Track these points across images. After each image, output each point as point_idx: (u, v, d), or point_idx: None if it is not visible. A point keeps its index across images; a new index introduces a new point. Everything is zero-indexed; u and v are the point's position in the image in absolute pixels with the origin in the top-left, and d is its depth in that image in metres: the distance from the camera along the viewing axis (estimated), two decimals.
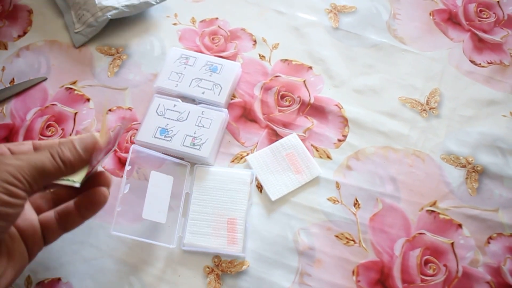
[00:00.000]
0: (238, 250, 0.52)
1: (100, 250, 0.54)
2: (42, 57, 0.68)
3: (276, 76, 0.65)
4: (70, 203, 0.45)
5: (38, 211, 0.45)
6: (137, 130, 0.59)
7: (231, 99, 0.63)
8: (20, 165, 0.37)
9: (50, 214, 0.45)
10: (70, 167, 0.40)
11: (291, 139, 0.59)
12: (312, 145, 0.59)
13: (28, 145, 0.46)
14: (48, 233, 0.44)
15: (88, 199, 0.44)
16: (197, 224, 0.54)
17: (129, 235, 0.52)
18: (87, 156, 0.41)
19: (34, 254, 0.43)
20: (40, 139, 0.61)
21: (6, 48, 0.69)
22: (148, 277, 0.52)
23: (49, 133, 0.61)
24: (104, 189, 0.44)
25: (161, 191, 0.54)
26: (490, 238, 0.54)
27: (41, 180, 0.38)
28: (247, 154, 0.59)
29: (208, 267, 0.53)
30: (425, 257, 0.53)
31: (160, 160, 0.58)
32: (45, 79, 0.65)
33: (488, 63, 0.66)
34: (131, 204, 0.55)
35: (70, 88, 0.65)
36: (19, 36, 0.70)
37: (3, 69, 0.67)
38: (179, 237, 0.53)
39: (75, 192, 0.44)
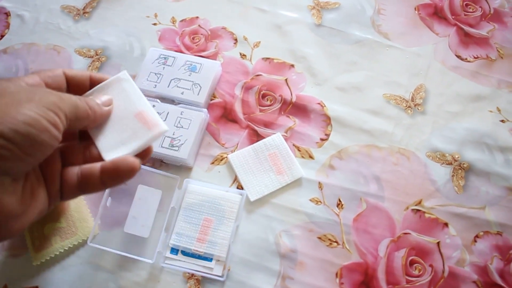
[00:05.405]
0: (217, 275, 0.51)
1: (79, 257, 0.53)
2: (20, 60, 0.66)
3: (257, 75, 0.63)
4: (96, 165, 0.40)
5: (65, 161, 0.42)
6: None
7: (211, 100, 0.62)
8: (63, 98, 0.37)
9: (73, 171, 0.41)
10: (93, 117, 0.40)
11: (275, 139, 0.58)
12: (294, 144, 0.58)
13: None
14: (66, 189, 0.40)
15: (114, 166, 0.40)
16: (181, 241, 0.52)
17: (107, 248, 0.51)
18: (106, 112, 0.42)
19: (50, 205, 0.40)
20: None
21: None
22: (128, 284, 0.51)
23: None
24: (134, 160, 0.40)
25: (147, 205, 0.53)
26: (477, 236, 0.53)
27: (75, 121, 0.38)
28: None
29: (188, 273, 0.51)
30: (411, 258, 0.51)
31: (149, 173, 0.56)
32: None
33: (475, 57, 0.64)
34: (114, 215, 0.54)
35: None
36: None
37: None
38: (159, 252, 0.52)
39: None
